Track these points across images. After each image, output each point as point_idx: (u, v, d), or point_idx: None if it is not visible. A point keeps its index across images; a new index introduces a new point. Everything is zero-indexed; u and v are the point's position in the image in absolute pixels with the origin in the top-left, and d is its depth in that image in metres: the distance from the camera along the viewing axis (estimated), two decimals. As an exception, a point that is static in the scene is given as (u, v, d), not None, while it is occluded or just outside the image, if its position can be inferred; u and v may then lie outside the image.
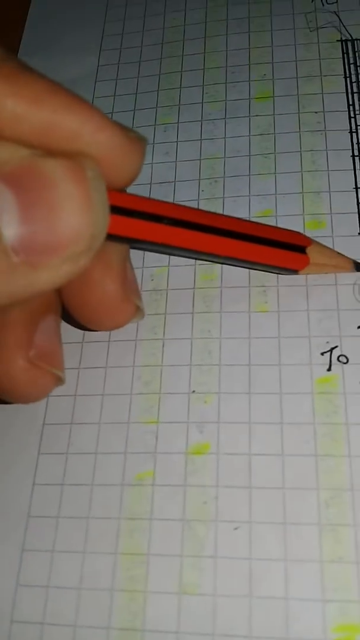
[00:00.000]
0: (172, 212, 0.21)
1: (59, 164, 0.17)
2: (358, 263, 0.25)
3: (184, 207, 0.22)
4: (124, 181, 0.19)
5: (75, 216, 0.16)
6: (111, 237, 0.19)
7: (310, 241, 0.24)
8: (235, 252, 0.23)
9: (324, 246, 0.25)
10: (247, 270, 0.26)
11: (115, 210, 0.19)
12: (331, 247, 0.26)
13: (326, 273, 0.25)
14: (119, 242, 0.21)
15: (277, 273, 0.25)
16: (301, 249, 0.24)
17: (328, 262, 0.24)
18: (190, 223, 0.21)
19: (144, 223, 0.20)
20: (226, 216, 0.23)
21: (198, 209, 0.22)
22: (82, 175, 0.17)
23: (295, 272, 0.25)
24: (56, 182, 0.16)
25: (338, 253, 0.25)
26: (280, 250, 0.23)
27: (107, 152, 0.18)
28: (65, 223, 0.16)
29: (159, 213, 0.20)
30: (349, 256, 0.25)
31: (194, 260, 0.27)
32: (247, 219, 0.27)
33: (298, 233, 0.24)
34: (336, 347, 0.24)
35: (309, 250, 0.24)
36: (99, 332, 0.25)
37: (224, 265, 0.26)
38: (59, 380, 0.22)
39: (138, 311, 0.24)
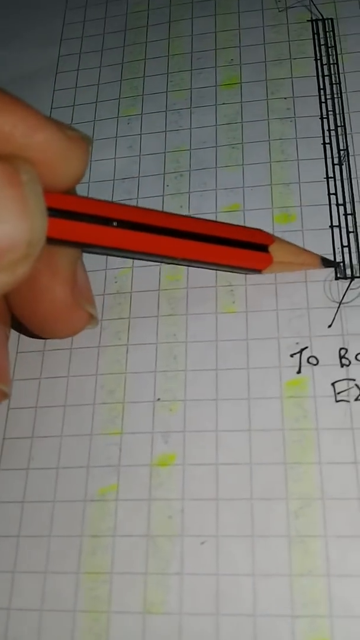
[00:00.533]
0: (121, 213, 0.20)
1: None
2: (326, 259, 0.24)
3: (134, 207, 0.21)
4: (67, 183, 0.18)
5: (9, 223, 0.16)
6: (55, 241, 0.18)
7: (272, 239, 0.23)
8: (192, 253, 0.22)
9: (288, 243, 0.24)
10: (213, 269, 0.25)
11: (58, 213, 0.18)
12: (301, 241, 0.25)
13: (292, 271, 0.24)
14: (66, 246, 0.20)
15: (240, 273, 0.24)
16: (263, 248, 0.23)
17: (293, 259, 0.23)
18: (141, 225, 0.20)
19: (91, 226, 0.19)
20: (181, 216, 0.22)
21: (149, 209, 0.21)
22: (15, 178, 0.16)
23: (258, 271, 0.23)
24: None
25: (303, 249, 0.24)
26: (240, 249, 0.22)
27: (45, 154, 0.17)
28: None
29: (108, 215, 0.19)
30: (319, 251, 0.24)
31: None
32: (213, 214, 0.26)
33: (259, 230, 0.23)
34: (306, 348, 0.23)
35: (271, 248, 0.23)
36: (60, 340, 0.24)
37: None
38: (3, 396, 0.21)
39: (91, 318, 0.23)
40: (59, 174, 0.18)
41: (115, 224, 0.19)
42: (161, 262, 0.25)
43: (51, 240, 0.17)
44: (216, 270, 0.24)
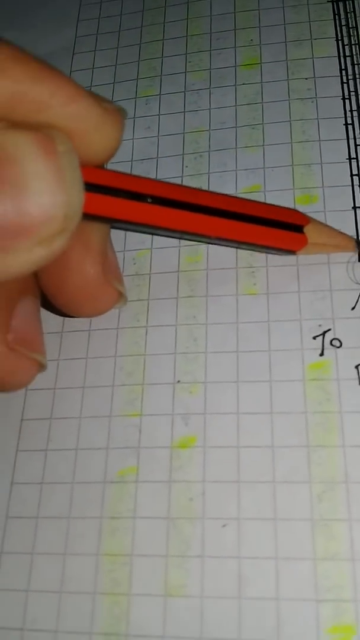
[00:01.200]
0: (156, 189, 0.19)
1: (26, 137, 0.15)
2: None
3: (170, 184, 0.20)
4: (101, 156, 0.18)
5: (46, 195, 0.15)
6: (89, 217, 0.18)
7: (308, 219, 0.23)
8: (227, 232, 0.21)
9: (323, 224, 0.23)
10: (234, 250, 0.24)
11: (92, 188, 0.18)
12: (324, 222, 0.24)
13: (326, 253, 0.23)
14: (98, 222, 0.20)
15: (272, 254, 0.24)
16: (298, 228, 0.22)
17: (328, 241, 0.23)
18: (176, 202, 0.20)
19: (125, 202, 0.19)
20: (215, 193, 0.21)
21: (185, 186, 0.21)
22: (52, 149, 0.15)
23: (292, 252, 0.23)
24: (22, 157, 0.15)
25: (339, 231, 0.23)
26: (276, 230, 0.22)
27: (81, 124, 0.16)
28: (34, 203, 0.15)
29: (142, 191, 0.19)
30: (346, 232, 0.24)
31: (178, 242, 0.25)
32: (235, 195, 0.25)
33: (295, 211, 0.23)
34: (329, 330, 0.22)
35: (306, 229, 0.22)
36: (78, 321, 0.24)
37: (210, 246, 0.25)
38: (41, 366, 0.21)
39: (120, 297, 0.22)
40: (94, 146, 0.17)
41: (149, 200, 0.19)
42: (195, 240, 0.24)
43: (86, 216, 0.17)
44: (249, 250, 0.24)
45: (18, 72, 0.15)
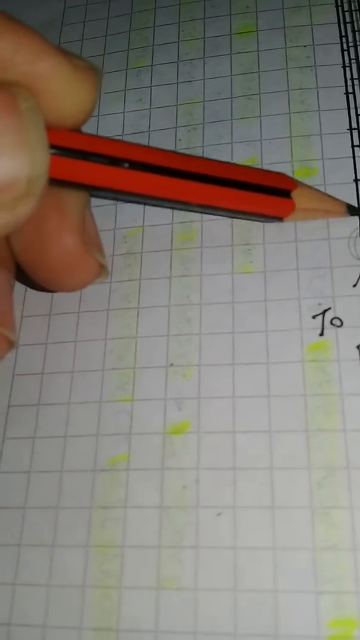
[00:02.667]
0: (134, 153, 0.18)
1: None
2: (352, 206, 0.22)
3: (148, 147, 0.19)
4: (73, 118, 0.17)
5: (7, 156, 0.14)
6: (60, 182, 0.17)
7: (295, 184, 0.21)
8: (209, 199, 0.20)
9: (312, 189, 0.22)
10: (229, 227, 0.23)
11: (63, 151, 0.17)
12: (313, 186, 0.23)
13: (315, 219, 0.22)
14: (72, 188, 0.19)
15: (259, 221, 0.23)
16: (286, 193, 0.21)
17: (317, 206, 0.22)
18: (155, 167, 0.19)
19: (100, 167, 0.18)
20: (198, 157, 0.21)
21: (164, 150, 0.20)
22: (13, 106, 0.14)
23: (279, 219, 0.22)
24: None
25: (328, 196, 0.22)
26: (261, 195, 0.21)
27: (49, 83, 0.15)
28: None
29: (118, 155, 0.18)
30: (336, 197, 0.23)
31: (171, 219, 0.24)
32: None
33: (282, 174, 0.22)
34: (329, 309, 0.21)
35: (294, 194, 0.21)
36: (67, 303, 0.23)
37: (204, 223, 0.24)
38: (9, 343, 0.20)
39: (101, 269, 0.21)
40: (65, 107, 0.16)
41: (126, 165, 0.18)
42: (175, 208, 0.23)
43: (56, 182, 0.16)
44: (234, 217, 0.23)
45: None
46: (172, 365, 0.22)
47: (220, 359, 0.21)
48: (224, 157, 0.25)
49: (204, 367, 0.21)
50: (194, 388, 0.21)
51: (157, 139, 0.26)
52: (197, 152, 0.25)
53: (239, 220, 0.23)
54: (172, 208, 0.23)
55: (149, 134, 0.26)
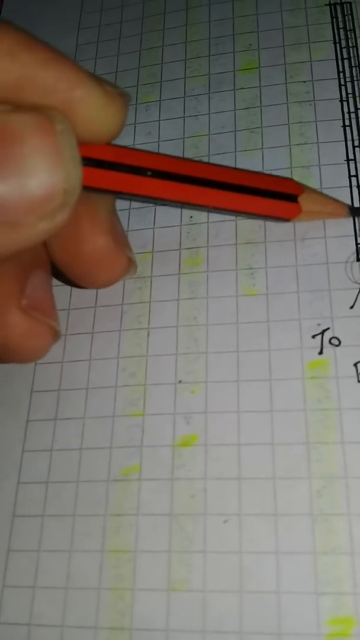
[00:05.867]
0: (155, 163, 0.21)
1: (26, 118, 0.16)
2: (353, 208, 0.24)
3: (169, 157, 0.21)
4: (105, 138, 0.19)
5: (46, 172, 0.16)
6: (92, 189, 0.19)
7: (302, 189, 0.24)
8: (224, 203, 0.22)
9: (317, 192, 0.24)
10: (234, 253, 0.25)
11: (94, 163, 0.19)
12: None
13: (319, 219, 0.24)
14: (102, 194, 0.21)
15: (269, 221, 0.25)
16: (293, 198, 0.23)
17: (322, 208, 0.24)
18: (175, 175, 0.21)
19: (126, 176, 0.20)
20: (213, 165, 0.23)
21: (183, 159, 0.22)
22: (49, 128, 0.16)
23: (287, 220, 0.24)
24: (23, 137, 0.16)
25: (332, 198, 0.24)
26: (271, 200, 0.23)
27: (85, 107, 0.17)
28: (35, 180, 0.16)
29: (142, 165, 0.20)
30: (340, 234, 0.24)
31: (178, 245, 0.26)
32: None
33: (290, 180, 0.24)
34: (328, 329, 0.23)
35: (301, 198, 0.23)
36: (80, 323, 0.24)
37: (209, 249, 0.25)
38: (55, 333, 0.22)
39: (131, 264, 0.23)
40: (96, 128, 0.18)
41: (149, 173, 0.20)
42: (194, 210, 0.26)
43: (89, 189, 0.18)
44: (246, 218, 0.25)
45: (27, 57, 0.16)
46: (180, 382, 0.23)
47: (226, 376, 0.23)
48: (229, 187, 0.26)
49: (211, 383, 0.23)
50: (202, 403, 0.22)
51: (166, 169, 0.27)
52: (203, 181, 0.27)
53: (243, 245, 0.25)
54: (191, 209, 0.26)
55: (158, 164, 0.28)
